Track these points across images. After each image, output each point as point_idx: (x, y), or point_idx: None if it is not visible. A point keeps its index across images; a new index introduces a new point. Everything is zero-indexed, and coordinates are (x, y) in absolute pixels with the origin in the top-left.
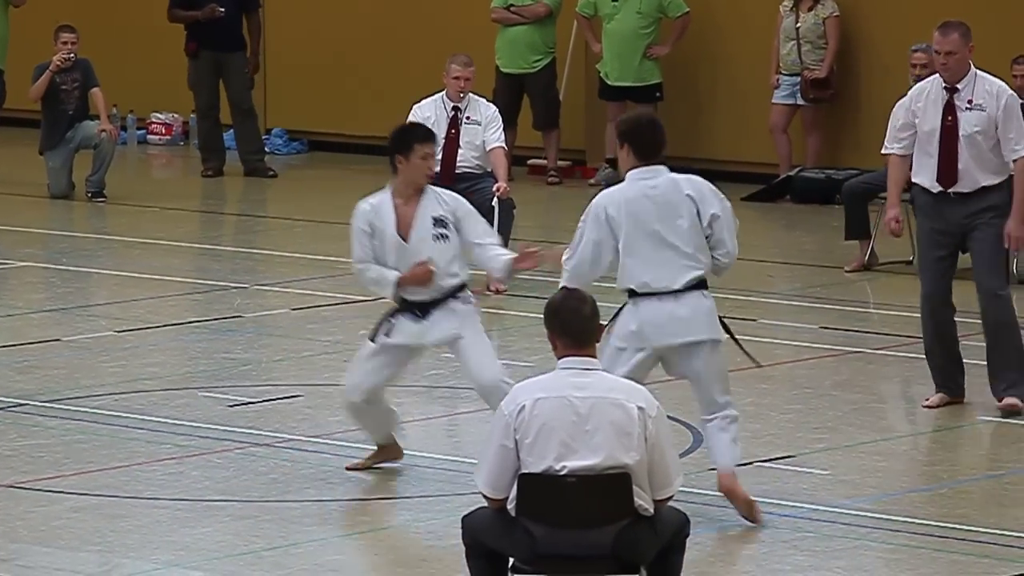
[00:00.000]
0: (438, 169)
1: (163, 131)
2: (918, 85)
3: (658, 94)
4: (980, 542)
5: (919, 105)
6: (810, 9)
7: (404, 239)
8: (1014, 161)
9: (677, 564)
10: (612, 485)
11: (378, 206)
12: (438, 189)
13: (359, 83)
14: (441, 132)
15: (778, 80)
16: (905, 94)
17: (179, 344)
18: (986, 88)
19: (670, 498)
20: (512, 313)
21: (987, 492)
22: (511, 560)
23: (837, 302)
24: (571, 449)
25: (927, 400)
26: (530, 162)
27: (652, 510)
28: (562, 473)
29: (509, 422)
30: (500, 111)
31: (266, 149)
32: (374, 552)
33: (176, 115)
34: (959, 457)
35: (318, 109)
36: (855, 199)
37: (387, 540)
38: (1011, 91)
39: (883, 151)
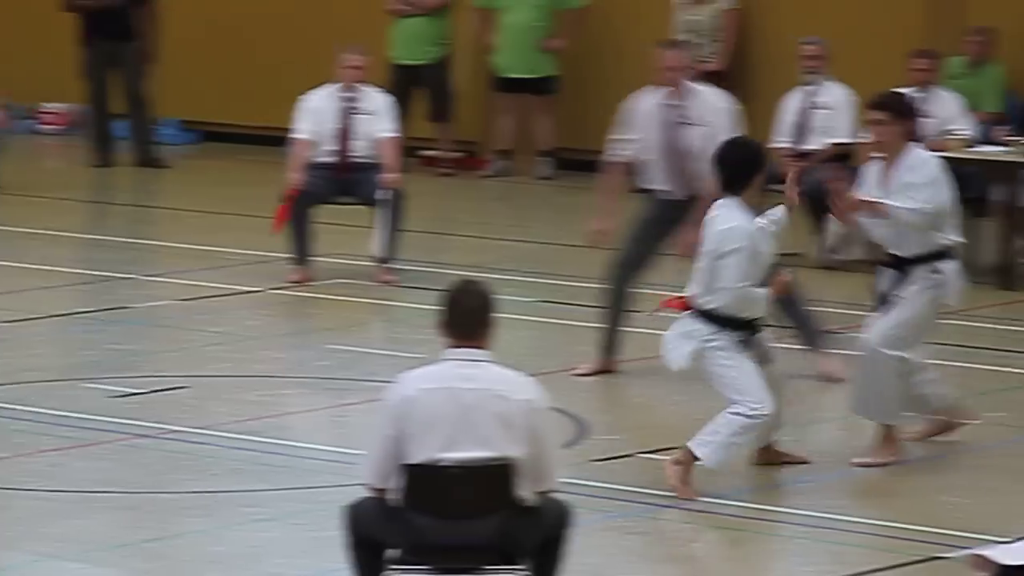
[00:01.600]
0: (330, 159)
1: (55, 121)
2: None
3: (552, 87)
4: (859, 532)
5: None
6: (706, 2)
7: None
8: None
9: (559, 555)
10: (495, 476)
11: None
12: None
13: (253, 74)
14: (333, 122)
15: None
16: (799, 86)
17: (65, 335)
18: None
19: (553, 490)
20: (401, 304)
21: (865, 483)
22: (394, 551)
23: None
24: (455, 440)
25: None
26: (423, 153)
27: (535, 501)
28: (446, 464)
29: (394, 412)
30: (394, 102)
31: (158, 140)
32: (256, 544)
33: (68, 105)
34: (839, 448)
35: (211, 100)
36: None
37: (271, 531)
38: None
39: (772, 144)
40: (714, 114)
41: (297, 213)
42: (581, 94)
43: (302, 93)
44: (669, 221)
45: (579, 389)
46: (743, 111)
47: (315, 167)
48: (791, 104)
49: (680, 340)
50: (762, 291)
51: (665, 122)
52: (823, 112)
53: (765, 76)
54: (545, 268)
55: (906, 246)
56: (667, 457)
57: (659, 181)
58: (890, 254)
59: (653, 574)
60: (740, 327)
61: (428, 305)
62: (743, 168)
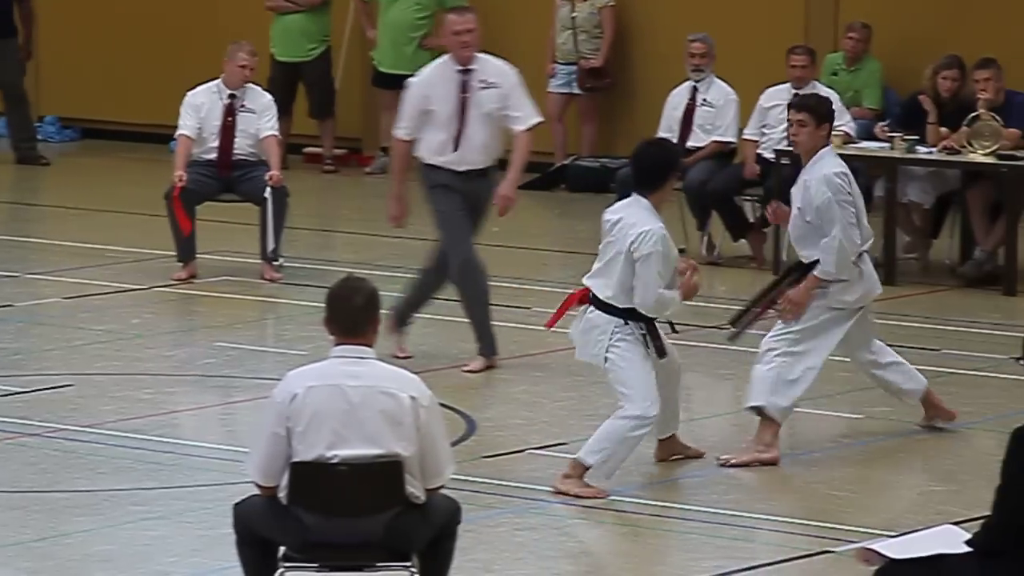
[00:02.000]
0: (213, 156)
1: None
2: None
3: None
4: (749, 527)
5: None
6: None
7: None
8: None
9: (448, 551)
10: (383, 473)
11: None
12: None
13: (133, 71)
14: (216, 119)
15: (554, 69)
16: (682, 83)
17: None
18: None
19: (442, 487)
20: (287, 301)
21: (757, 478)
22: (282, 549)
23: None
24: (342, 438)
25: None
26: (306, 150)
27: (423, 498)
28: (333, 461)
29: (281, 410)
30: (276, 99)
31: (39, 137)
32: (145, 542)
33: None
34: (729, 443)
35: (91, 97)
36: (628, 187)
37: (159, 529)
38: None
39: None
40: (502, 76)
41: (181, 211)
42: None
43: (181, 91)
44: (472, 192)
45: (466, 386)
46: (627, 107)
47: (198, 164)
48: (675, 101)
49: (588, 334)
50: (673, 293)
51: (460, 89)
52: (707, 109)
53: (648, 73)
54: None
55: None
56: (556, 453)
57: (449, 153)
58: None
59: (543, 570)
60: (641, 319)
61: (314, 302)
62: (657, 170)
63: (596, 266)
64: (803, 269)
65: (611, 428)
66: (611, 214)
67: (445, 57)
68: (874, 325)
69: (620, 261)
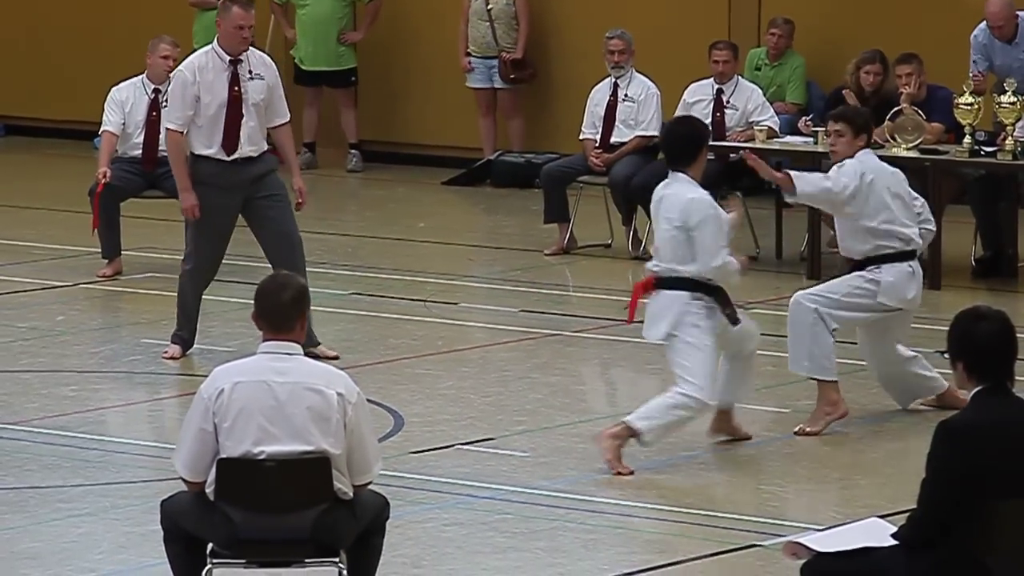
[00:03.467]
0: (138, 153)
1: None
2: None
3: (353, 79)
4: (678, 522)
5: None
6: None
7: None
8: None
9: (377, 547)
10: (310, 469)
11: None
12: None
13: (55, 67)
14: (141, 115)
15: (469, 63)
16: (603, 79)
17: None
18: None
19: (370, 483)
20: (211, 298)
21: (685, 472)
22: (210, 545)
23: (537, 285)
24: (269, 434)
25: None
26: None
27: (351, 494)
28: (260, 458)
29: (208, 405)
30: None
31: None
32: (72, 539)
33: None
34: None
35: (13, 93)
36: (554, 183)
37: (87, 526)
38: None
39: (580, 137)
40: (266, 68)
41: (105, 207)
42: (381, 86)
43: (104, 87)
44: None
45: (393, 381)
46: (550, 103)
47: (123, 161)
48: (597, 97)
49: (658, 313)
50: (734, 261)
51: (230, 81)
52: (628, 105)
53: (570, 67)
54: (355, 261)
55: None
56: (483, 449)
57: (216, 144)
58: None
59: (471, 565)
60: (711, 292)
61: (239, 299)
62: (689, 145)
63: (654, 250)
64: (854, 266)
65: (664, 402)
66: (656, 195)
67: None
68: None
69: (676, 235)
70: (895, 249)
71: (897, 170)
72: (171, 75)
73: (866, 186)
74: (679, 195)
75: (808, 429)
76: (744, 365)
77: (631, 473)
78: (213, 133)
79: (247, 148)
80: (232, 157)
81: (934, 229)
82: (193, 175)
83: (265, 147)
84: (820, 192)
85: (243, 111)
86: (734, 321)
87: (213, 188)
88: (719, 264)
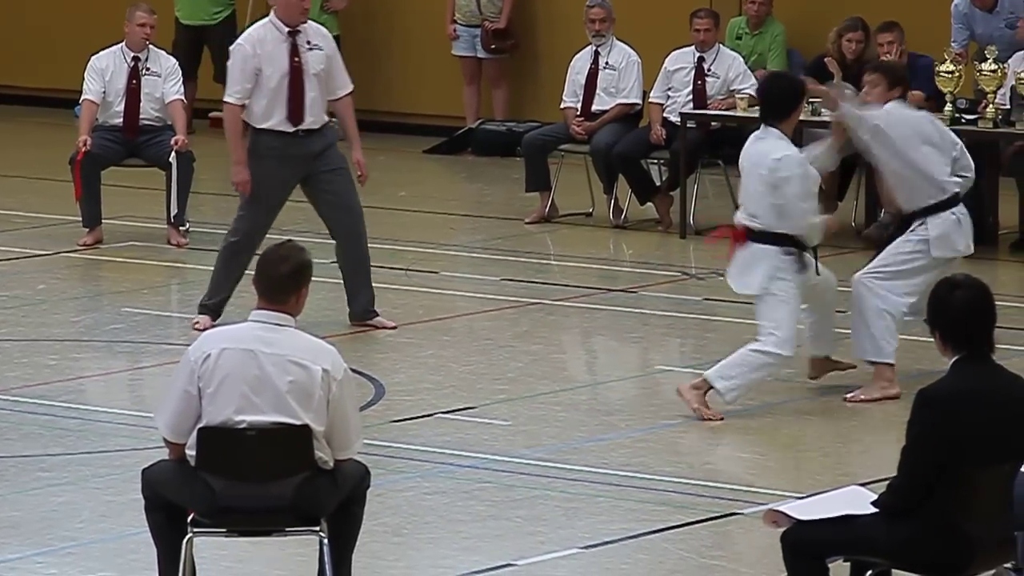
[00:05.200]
0: (119, 122)
1: None
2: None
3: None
4: (658, 490)
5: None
6: None
7: None
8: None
9: (357, 516)
10: (291, 438)
11: None
12: None
13: (33, 35)
14: (121, 84)
15: (455, 31)
16: (584, 47)
17: None
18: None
19: (350, 459)
20: (193, 266)
21: (664, 440)
22: (191, 514)
23: (518, 254)
24: (252, 403)
25: None
26: (211, 115)
27: (332, 464)
28: (241, 426)
29: (194, 369)
30: (180, 64)
31: None
32: (52, 508)
33: None
34: (637, 406)
35: None
36: (535, 151)
37: (65, 495)
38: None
39: (562, 106)
40: (323, 38)
41: (86, 176)
42: (364, 54)
43: (83, 55)
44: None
45: (374, 350)
46: (532, 71)
47: (104, 129)
48: (578, 65)
49: (749, 266)
50: (821, 217)
51: (290, 52)
52: (609, 72)
53: (553, 35)
54: None
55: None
56: (464, 417)
57: (279, 115)
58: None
59: (452, 534)
60: (800, 246)
61: None
62: (786, 100)
63: (742, 202)
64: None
65: (744, 358)
66: (748, 147)
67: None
68: None
69: (764, 190)
70: (935, 200)
71: (931, 116)
72: (232, 49)
73: (892, 127)
74: (770, 150)
75: (863, 396)
76: (827, 316)
77: (721, 419)
78: (275, 105)
79: (309, 119)
80: (295, 129)
81: (972, 176)
82: (253, 149)
83: (326, 119)
84: (855, 114)
85: (304, 81)
86: (818, 272)
87: (274, 161)
88: (807, 222)
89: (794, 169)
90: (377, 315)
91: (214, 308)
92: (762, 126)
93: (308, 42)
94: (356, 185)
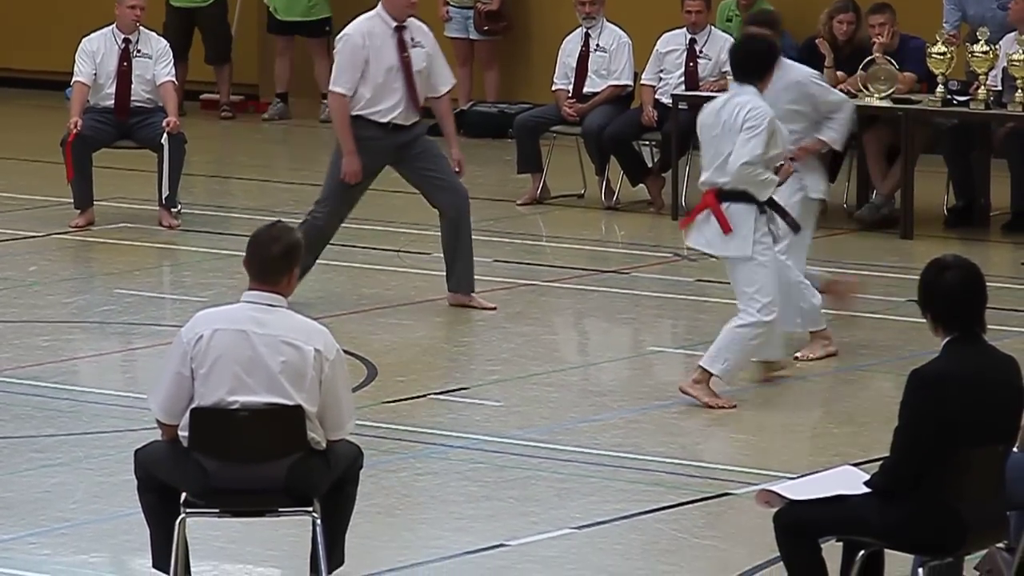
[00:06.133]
0: (110, 103)
1: None
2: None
3: (327, 28)
4: (650, 471)
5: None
6: None
7: None
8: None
9: (350, 496)
10: (284, 419)
11: None
12: None
13: (27, 15)
14: (112, 66)
15: (447, 12)
16: (574, 29)
17: None
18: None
19: (342, 440)
20: (185, 248)
21: (657, 421)
22: (184, 494)
23: (510, 235)
24: (244, 384)
25: None
26: (203, 97)
27: (325, 444)
28: (234, 407)
29: (187, 350)
30: (171, 45)
31: None
32: (45, 489)
33: None
34: (629, 387)
35: None
36: (526, 133)
37: (58, 477)
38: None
39: (553, 88)
40: (424, 36)
41: (78, 157)
42: None
43: (74, 37)
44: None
45: (367, 331)
46: (524, 53)
47: (95, 111)
48: (569, 47)
49: (739, 228)
50: (771, 175)
51: (398, 47)
52: (600, 55)
53: (545, 17)
54: None
55: None
56: (456, 398)
57: (384, 107)
58: None
59: (445, 515)
60: (770, 204)
61: (212, 249)
62: (763, 61)
63: (712, 163)
64: None
65: (731, 337)
66: (713, 106)
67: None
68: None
69: (736, 141)
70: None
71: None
72: (340, 40)
73: None
74: (745, 102)
75: (810, 356)
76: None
77: (734, 406)
78: (381, 98)
79: (407, 114)
80: (387, 120)
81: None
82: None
83: (417, 117)
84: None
85: (414, 76)
86: (796, 228)
87: (368, 152)
88: (743, 171)
89: (762, 122)
90: (473, 294)
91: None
92: (736, 84)
93: (412, 38)
94: (450, 165)
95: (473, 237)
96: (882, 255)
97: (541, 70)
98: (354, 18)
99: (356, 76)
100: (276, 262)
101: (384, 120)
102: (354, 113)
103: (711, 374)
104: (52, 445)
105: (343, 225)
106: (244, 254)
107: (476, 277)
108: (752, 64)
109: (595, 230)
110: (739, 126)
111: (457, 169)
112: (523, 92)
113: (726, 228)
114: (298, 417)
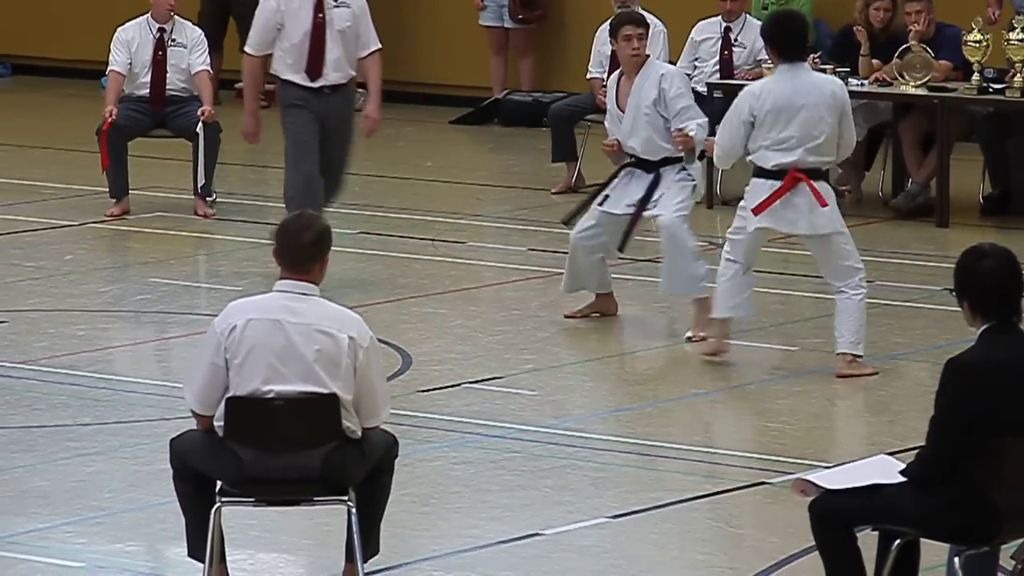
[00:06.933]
0: (145, 92)
1: None
2: None
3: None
4: (686, 460)
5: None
6: None
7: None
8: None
9: (386, 485)
10: (319, 408)
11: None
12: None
13: (64, 5)
14: (147, 55)
15: (482, 1)
16: (609, 18)
17: None
18: None
19: (377, 427)
20: (220, 237)
21: (692, 411)
22: (219, 483)
23: (544, 224)
24: (279, 373)
25: None
26: (238, 86)
27: (360, 433)
28: (269, 396)
29: (220, 340)
30: (206, 34)
31: None
32: (81, 478)
33: None
34: (665, 376)
35: (23, 31)
36: (561, 122)
37: (94, 465)
38: None
39: (588, 76)
40: None
41: (113, 146)
42: (391, 24)
43: (112, 25)
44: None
45: (402, 320)
46: (558, 42)
47: (130, 100)
48: (604, 36)
49: (828, 203)
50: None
51: (314, 8)
52: None
53: (580, 6)
54: (363, 200)
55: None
56: (492, 387)
57: (300, 70)
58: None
59: (480, 503)
60: None
61: (247, 238)
62: (804, 38)
63: (802, 143)
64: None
65: (855, 311)
66: (781, 86)
67: None
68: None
69: (831, 120)
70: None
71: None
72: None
73: None
74: (826, 80)
75: (702, 334)
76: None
77: (876, 373)
78: (299, 60)
79: (333, 75)
80: (317, 84)
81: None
82: (282, 99)
83: (351, 75)
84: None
85: (327, 38)
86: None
87: (302, 109)
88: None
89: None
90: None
91: None
92: (790, 64)
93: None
94: (351, 141)
95: (508, 226)
96: (918, 244)
97: (576, 58)
98: None
99: (268, 38)
100: (307, 250)
101: (312, 84)
102: (285, 77)
103: (855, 356)
104: (88, 434)
105: (378, 214)
106: (276, 245)
107: (512, 266)
108: (798, 41)
109: None
110: (840, 104)
111: (368, 126)
112: (558, 81)
113: (823, 202)
114: (333, 406)
